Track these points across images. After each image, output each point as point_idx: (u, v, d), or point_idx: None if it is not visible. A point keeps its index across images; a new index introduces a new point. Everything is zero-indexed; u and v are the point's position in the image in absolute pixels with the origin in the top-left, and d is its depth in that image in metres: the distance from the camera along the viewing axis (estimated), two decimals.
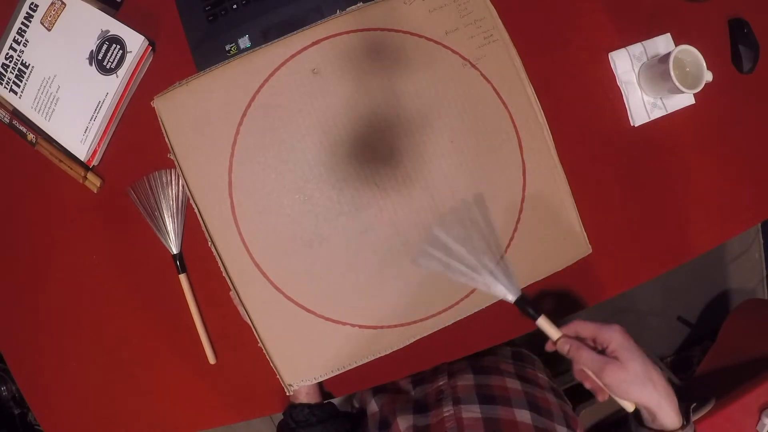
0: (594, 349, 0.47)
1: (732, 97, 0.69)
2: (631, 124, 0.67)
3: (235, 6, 0.64)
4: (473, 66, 0.55)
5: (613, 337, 0.46)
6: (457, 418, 0.54)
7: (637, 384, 0.44)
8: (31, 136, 0.65)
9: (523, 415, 0.54)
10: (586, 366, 0.47)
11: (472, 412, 0.54)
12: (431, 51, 0.54)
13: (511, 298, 0.49)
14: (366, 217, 0.53)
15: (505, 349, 0.72)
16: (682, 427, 0.45)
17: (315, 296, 0.53)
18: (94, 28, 0.62)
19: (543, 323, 0.49)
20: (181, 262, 0.63)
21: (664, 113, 0.67)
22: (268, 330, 0.54)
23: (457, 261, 0.50)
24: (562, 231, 0.57)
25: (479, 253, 0.50)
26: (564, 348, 0.48)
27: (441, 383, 0.62)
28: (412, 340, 0.55)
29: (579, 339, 0.48)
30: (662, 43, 0.67)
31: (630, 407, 0.47)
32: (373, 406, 0.63)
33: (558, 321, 0.50)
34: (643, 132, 0.67)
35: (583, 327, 0.48)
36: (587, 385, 0.49)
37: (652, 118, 0.67)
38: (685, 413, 0.46)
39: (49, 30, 0.63)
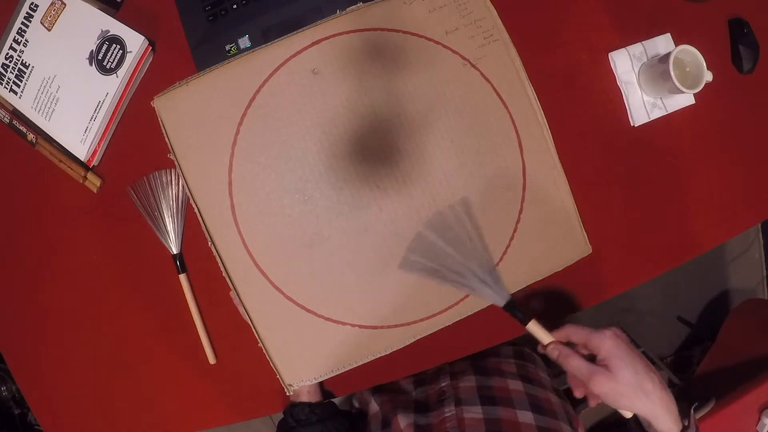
0: (586, 355, 0.46)
1: (732, 97, 0.69)
2: (631, 124, 0.67)
3: (235, 6, 0.64)
4: (473, 66, 0.55)
5: (604, 344, 0.44)
6: (459, 418, 0.54)
7: (627, 395, 0.43)
8: (31, 136, 0.65)
9: (526, 416, 0.54)
10: (574, 374, 0.46)
11: (473, 412, 0.54)
12: (431, 51, 0.54)
13: (500, 302, 0.49)
14: (366, 217, 0.53)
15: (507, 348, 0.72)
16: (683, 430, 0.44)
17: (315, 296, 0.53)
18: (94, 28, 0.62)
19: (533, 328, 0.48)
20: (181, 262, 0.63)
21: (664, 113, 0.67)
22: (268, 330, 0.54)
23: (443, 267, 0.49)
24: (562, 231, 0.57)
25: (467, 257, 0.49)
26: (553, 354, 0.47)
27: (443, 384, 0.62)
28: (412, 340, 0.55)
29: (570, 344, 0.47)
30: (662, 43, 0.67)
31: (627, 414, 0.46)
32: (374, 406, 0.63)
33: (557, 322, 0.49)
34: (643, 132, 0.67)
35: (574, 332, 0.47)
36: (577, 394, 0.48)
37: (652, 118, 0.67)
38: (686, 415, 0.45)
39: (49, 30, 0.63)
